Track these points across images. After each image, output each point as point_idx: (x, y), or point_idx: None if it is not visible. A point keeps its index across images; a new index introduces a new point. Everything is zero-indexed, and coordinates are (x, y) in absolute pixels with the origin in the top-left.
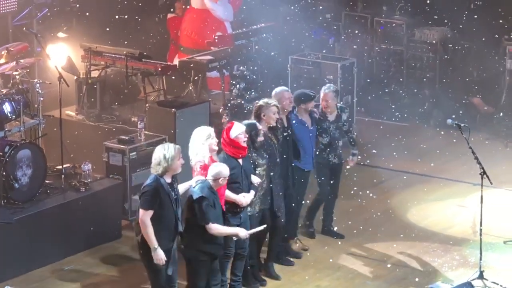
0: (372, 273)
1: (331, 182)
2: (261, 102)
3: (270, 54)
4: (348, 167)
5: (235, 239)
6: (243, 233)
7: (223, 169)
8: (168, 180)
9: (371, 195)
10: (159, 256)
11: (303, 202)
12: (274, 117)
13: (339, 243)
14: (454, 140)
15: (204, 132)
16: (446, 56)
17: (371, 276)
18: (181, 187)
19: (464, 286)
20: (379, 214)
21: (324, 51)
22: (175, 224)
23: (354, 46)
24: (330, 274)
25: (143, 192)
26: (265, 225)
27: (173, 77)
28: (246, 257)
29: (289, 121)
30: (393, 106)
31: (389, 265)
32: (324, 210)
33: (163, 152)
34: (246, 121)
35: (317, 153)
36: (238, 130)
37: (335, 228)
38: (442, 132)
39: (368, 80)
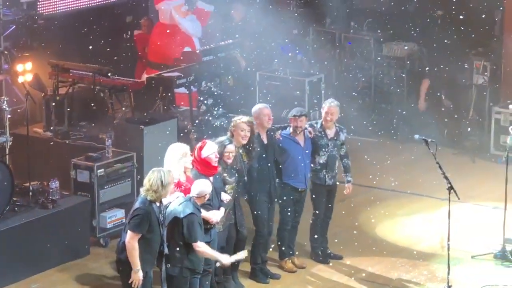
0: None
1: (326, 204)
2: (233, 119)
3: (238, 70)
4: (346, 192)
5: (217, 265)
6: (226, 260)
7: (206, 186)
8: (158, 203)
9: (339, 210)
10: (138, 278)
11: (298, 223)
12: (243, 134)
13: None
14: (421, 156)
15: (180, 150)
16: (414, 71)
17: None
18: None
19: None
20: (347, 229)
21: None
22: (160, 247)
23: (325, 62)
24: None
25: (135, 215)
26: (245, 252)
27: (141, 93)
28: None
29: (270, 138)
30: (362, 122)
31: (357, 281)
32: (319, 233)
33: (160, 178)
34: (218, 139)
35: (313, 173)
36: (209, 150)
37: (329, 251)
38: (410, 147)
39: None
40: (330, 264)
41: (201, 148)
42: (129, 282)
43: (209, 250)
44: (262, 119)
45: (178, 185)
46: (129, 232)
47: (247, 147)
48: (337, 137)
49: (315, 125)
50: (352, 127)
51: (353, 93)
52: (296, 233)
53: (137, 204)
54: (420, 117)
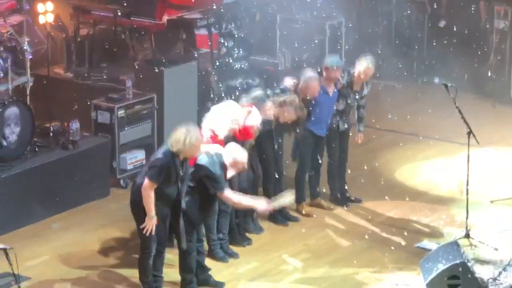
0: (358, 233)
1: (341, 147)
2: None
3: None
4: (358, 141)
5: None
6: (263, 206)
7: (243, 156)
8: (180, 158)
9: (358, 154)
10: (151, 223)
11: (320, 165)
12: (288, 117)
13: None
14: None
15: (236, 114)
16: (434, 16)
17: (357, 235)
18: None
19: (450, 245)
20: (365, 173)
21: (314, 12)
22: (176, 201)
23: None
24: (317, 233)
25: (154, 165)
26: (291, 193)
27: (162, 35)
28: (231, 215)
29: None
30: (382, 66)
31: (375, 224)
32: (336, 176)
33: (184, 135)
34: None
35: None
36: (255, 121)
37: (348, 194)
38: (430, 92)
39: (356, 39)
40: (349, 207)
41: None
42: (141, 227)
43: (239, 198)
44: (306, 91)
45: (213, 139)
46: (146, 180)
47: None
48: (361, 91)
49: (343, 74)
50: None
51: (374, 37)
52: (319, 175)
53: (159, 154)
54: (441, 61)
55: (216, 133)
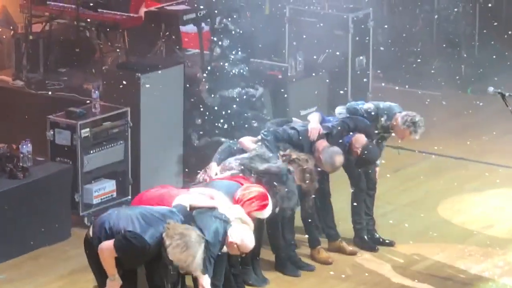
0: (390, 285)
1: (366, 172)
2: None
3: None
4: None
5: None
6: None
7: (250, 242)
8: None
9: (390, 183)
10: (114, 286)
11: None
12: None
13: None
14: (496, 114)
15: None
16: (488, 5)
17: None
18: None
19: None
20: (400, 208)
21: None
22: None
23: None
24: (336, 286)
25: (129, 235)
26: None
27: (138, 32)
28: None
29: None
30: (421, 70)
31: (412, 274)
32: (363, 211)
33: (193, 256)
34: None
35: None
36: (267, 213)
37: (377, 235)
38: (482, 103)
39: (388, 36)
40: (378, 251)
41: (255, 210)
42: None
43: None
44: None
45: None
46: (111, 243)
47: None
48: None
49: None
50: (407, 76)
51: (410, 34)
52: (331, 208)
53: (146, 225)
54: (495, 65)
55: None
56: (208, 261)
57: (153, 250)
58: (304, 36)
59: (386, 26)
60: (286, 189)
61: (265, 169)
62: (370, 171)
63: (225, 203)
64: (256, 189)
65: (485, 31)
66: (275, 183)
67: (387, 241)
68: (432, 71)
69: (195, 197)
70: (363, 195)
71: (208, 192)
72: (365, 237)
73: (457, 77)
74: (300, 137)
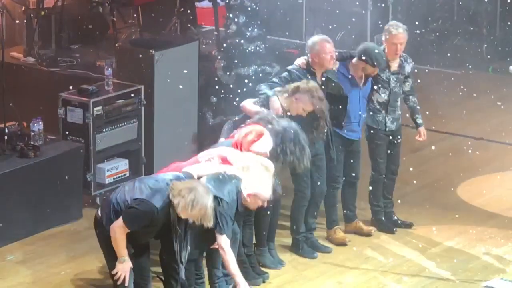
0: (408, 268)
1: (389, 154)
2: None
3: None
4: (420, 139)
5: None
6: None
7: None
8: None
9: (409, 164)
10: (124, 270)
11: (357, 178)
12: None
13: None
14: None
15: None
16: None
17: (407, 270)
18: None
19: None
20: (419, 189)
21: None
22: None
23: None
24: (354, 268)
25: (136, 205)
26: None
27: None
28: (239, 245)
29: (326, 82)
30: (441, 48)
31: (430, 257)
32: (381, 193)
33: (192, 200)
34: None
35: (370, 115)
36: (263, 147)
37: (395, 217)
38: (503, 83)
39: (408, 14)
40: (396, 233)
41: (252, 142)
42: (112, 273)
43: (232, 260)
44: (323, 59)
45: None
46: (120, 219)
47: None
48: (401, 70)
49: None
50: (424, 55)
51: (430, 11)
52: (356, 192)
53: (149, 197)
54: None
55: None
56: (225, 221)
57: (163, 215)
58: (322, 14)
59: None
60: (297, 146)
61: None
62: (394, 150)
63: (233, 156)
64: (250, 126)
65: (507, 8)
66: (283, 142)
67: (406, 223)
68: (453, 49)
69: (201, 166)
70: (381, 178)
71: (216, 152)
72: (382, 218)
73: (478, 56)
74: (294, 75)
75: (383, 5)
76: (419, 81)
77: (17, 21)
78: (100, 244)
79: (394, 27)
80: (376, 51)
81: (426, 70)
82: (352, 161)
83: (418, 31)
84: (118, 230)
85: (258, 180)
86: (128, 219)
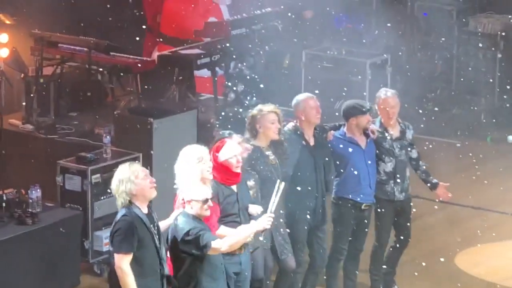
0: None
1: (398, 225)
2: (253, 110)
3: (278, 48)
4: (448, 195)
5: (261, 237)
6: (261, 224)
7: (200, 191)
8: (144, 210)
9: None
10: None
11: (361, 250)
12: (274, 126)
13: None
14: None
15: (194, 154)
16: (508, 53)
17: None
18: (161, 226)
19: None
20: (417, 259)
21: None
22: (160, 267)
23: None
24: None
25: (116, 231)
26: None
27: (151, 76)
28: None
29: (319, 138)
30: (439, 117)
31: None
32: (382, 262)
33: (117, 175)
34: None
35: (377, 185)
36: (228, 153)
37: (395, 286)
38: (502, 153)
39: (407, 83)
40: None
41: (218, 149)
42: None
43: (230, 239)
44: (309, 113)
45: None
46: (115, 256)
47: (276, 144)
48: (403, 136)
49: (373, 124)
50: (422, 125)
51: (428, 82)
52: (358, 263)
53: (116, 217)
54: None
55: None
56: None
57: (134, 219)
58: (319, 82)
59: (407, 70)
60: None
61: None
62: (402, 220)
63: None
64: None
65: (506, 78)
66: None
67: None
68: (451, 119)
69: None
70: (383, 250)
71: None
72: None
73: (476, 125)
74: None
75: (382, 74)
76: (422, 147)
77: (16, 88)
78: None
79: (383, 92)
80: (356, 100)
81: (424, 139)
82: (359, 233)
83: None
84: (122, 266)
85: (189, 190)
86: (119, 246)
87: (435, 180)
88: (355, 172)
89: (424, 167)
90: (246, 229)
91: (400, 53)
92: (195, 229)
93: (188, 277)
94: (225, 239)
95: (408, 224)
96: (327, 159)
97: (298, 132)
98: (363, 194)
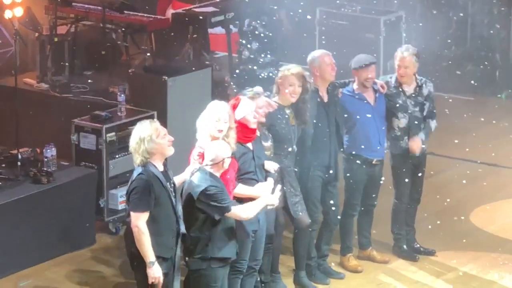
0: None
1: (413, 181)
2: (281, 69)
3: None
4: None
5: (270, 207)
6: (271, 199)
7: (222, 149)
8: (160, 168)
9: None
10: (155, 273)
11: (374, 205)
12: (291, 90)
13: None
14: None
15: (214, 112)
16: None
17: None
18: (176, 180)
19: None
20: (432, 216)
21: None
22: (176, 225)
23: None
24: None
25: (132, 190)
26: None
27: (165, 35)
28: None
29: (332, 96)
30: (454, 74)
31: (445, 282)
32: (404, 221)
33: (138, 133)
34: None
35: (392, 141)
36: (245, 110)
37: (417, 245)
38: None
39: (421, 40)
40: (413, 258)
41: (234, 107)
42: (149, 283)
43: (247, 208)
44: (324, 70)
45: (203, 156)
46: (131, 214)
47: (298, 106)
48: (419, 93)
49: (389, 79)
50: (438, 81)
51: (443, 39)
52: (372, 219)
53: (132, 176)
54: None
55: (202, 147)
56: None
57: (150, 177)
58: (335, 40)
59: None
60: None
61: None
62: (417, 177)
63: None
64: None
65: None
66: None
67: (428, 251)
68: (466, 76)
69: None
70: (404, 206)
71: (197, 151)
72: (404, 246)
73: (491, 82)
74: None
75: (397, 31)
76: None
77: (30, 47)
78: (135, 272)
79: (402, 49)
80: (361, 55)
81: (444, 97)
82: (370, 188)
83: (432, 57)
84: (138, 224)
85: (211, 150)
86: (135, 205)
87: (422, 135)
88: (364, 128)
89: (428, 124)
90: (259, 202)
91: (414, 10)
92: (213, 188)
93: (200, 235)
94: (243, 208)
95: (421, 181)
96: (339, 115)
97: (313, 89)
98: (373, 150)
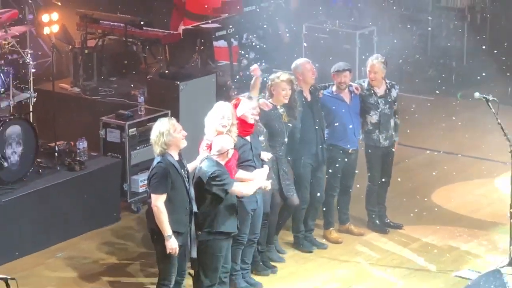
0: (391, 260)
1: (383, 167)
2: (271, 76)
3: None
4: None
5: (266, 187)
6: (264, 182)
7: (227, 141)
8: (176, 157)
9: (392, 175)
10: (172, 244)
11: (351, 187)
12: (284, 93)
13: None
14: (481, 116)
15: (219, 111)
16: (476, 22)
17: (392, 263)
18: (189, 167)
19: (492, 274)
20: (400, 196)
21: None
22: (189, 205)
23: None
24: (346, 261)
25: (153, 175)
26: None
27: (177, 47)
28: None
29: (314, 96)
30: (418, 78)
31: (410, 251)
32: (376, 200)
33: (158, 128)
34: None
35: (366, 135)
36: (244, 108)
37: (387, 220)
38: (469, 107)
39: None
40: (388, 233)
41: (235, 106)
42: (167, 253)
43: (245, 186)
44: (306, 75)
45: (210, 147)
46: (152, 196)
47: (289, 105)
48: (388, 94)
49: (363, 83)
50: (404, 84)
51: (409, 47)
52: (350, 198)
53: (153, 164)
54: (481, 74)
55: (209, 140)
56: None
57: (168, 165)
58: (319, 50)
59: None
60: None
61: None
62: (387, 163)
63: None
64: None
65: (472, 44)
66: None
67: (396, 225)
68: (427, 79)
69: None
70: (376, 188)
71: (205, 143)
72: (377, 221)
73: (448, 84)
74: None
75: (370, 43)
76: (403, 103)
77: (65, 58)
78: (155, 244)
79: (372, 58)
80: (339, 62)
81: (410, 97)
82: (347, 172)
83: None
84: (157, 204)
85: (216, 142)
86: (156, 187)
87: (395, 138)
88: (342, 123)
89: (395, 123)
90: (256, 183)
91: (384, 25)
92: (219, 172)
93: (208, 212)
94: (242, 187)
95: (391, 166)
96: (321, 112)
97: (298, 90)
98: (349, 141)
